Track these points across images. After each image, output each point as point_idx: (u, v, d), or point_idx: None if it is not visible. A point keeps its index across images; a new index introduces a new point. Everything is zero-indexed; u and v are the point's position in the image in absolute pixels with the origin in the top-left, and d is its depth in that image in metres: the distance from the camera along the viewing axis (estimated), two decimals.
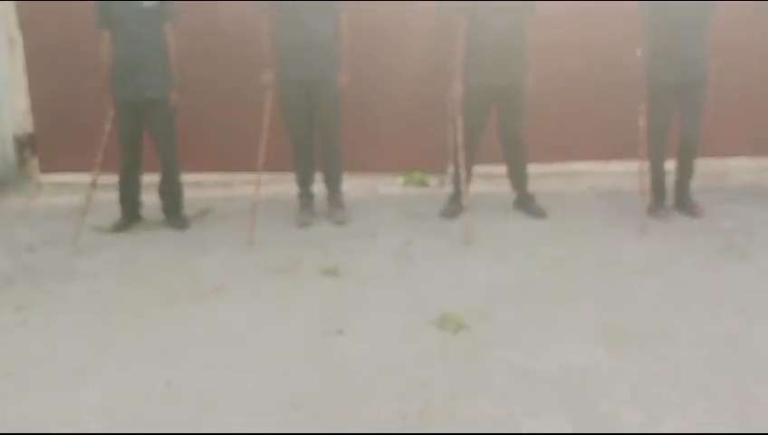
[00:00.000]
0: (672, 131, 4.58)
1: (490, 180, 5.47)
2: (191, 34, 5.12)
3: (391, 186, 5.64)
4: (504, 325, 3.26)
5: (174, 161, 4.61)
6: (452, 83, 4.53)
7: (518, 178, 4.84)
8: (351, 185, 5.57)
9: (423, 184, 5.64)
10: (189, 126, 5.30)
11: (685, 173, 4.71)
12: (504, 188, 5.03)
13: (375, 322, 3.32)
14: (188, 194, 5.37)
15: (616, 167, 5.69)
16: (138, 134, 4.47)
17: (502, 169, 4.96)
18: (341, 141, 4.70)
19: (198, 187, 5.70)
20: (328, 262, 4.01)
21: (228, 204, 5.25)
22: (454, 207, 4.80)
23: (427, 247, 4.25)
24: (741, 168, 5.72)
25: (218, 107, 5.42)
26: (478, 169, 4.91)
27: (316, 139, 4.69)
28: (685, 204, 4.75)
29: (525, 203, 4.86)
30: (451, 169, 5.07)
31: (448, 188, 5.29)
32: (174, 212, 4.70)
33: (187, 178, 5.56)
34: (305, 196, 4.80)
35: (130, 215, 4.69)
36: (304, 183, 4.79)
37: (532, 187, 4.93)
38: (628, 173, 5.62)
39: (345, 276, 3.84)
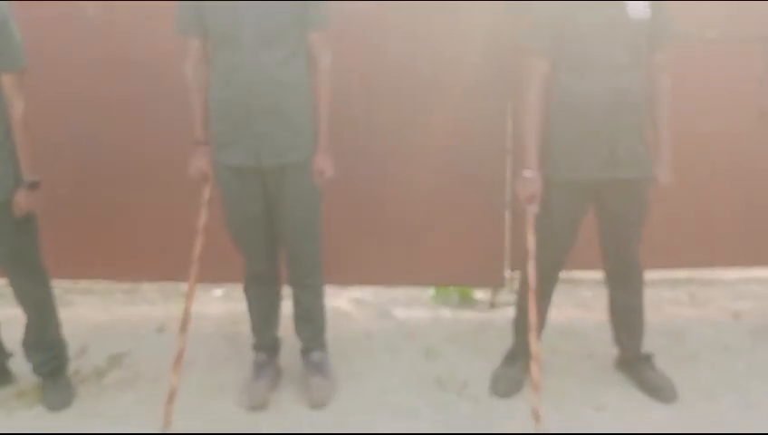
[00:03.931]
0: None
1: (574, 294, 3.52)
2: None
3: (414, 306, 3.69)
4: None
5: (39, 299, 2.78)
6: (521, 172, 2.57)
7: (625, 326, 2.84)
8: (354, 302, 3.69)
9: (466, 302, 3.68)
10: (115, 219, 3.51)
11: None
12: (600, 313, 3.09)
13: None
14: (121, 311, 3.63)
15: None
16: None
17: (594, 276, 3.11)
18: (321, 259, 2.79)
19: (133, 296, 3.90)
20: None
21: (164, 335, 3.39)
22: (513, 374, 2.83)
23: None
24: None
25: (158, 190, 3.53)
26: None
27: (282, 255, 2.79)
28: None
29: (636, 367, 2.85)
30: (508, 275, 3.18)
31: (504, 310, 3.40)
32: (50, 377, 2.86)
33: (118, 286, 3.85)
34: (263, 350, 2.88)
35: None
36: (262, 329, 2.88)
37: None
38: None
39: None
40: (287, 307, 2.93)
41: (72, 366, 3.02)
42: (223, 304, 3.75)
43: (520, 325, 2.79)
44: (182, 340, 2.51)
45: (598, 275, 3.69)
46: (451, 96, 3.32)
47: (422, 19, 3.29)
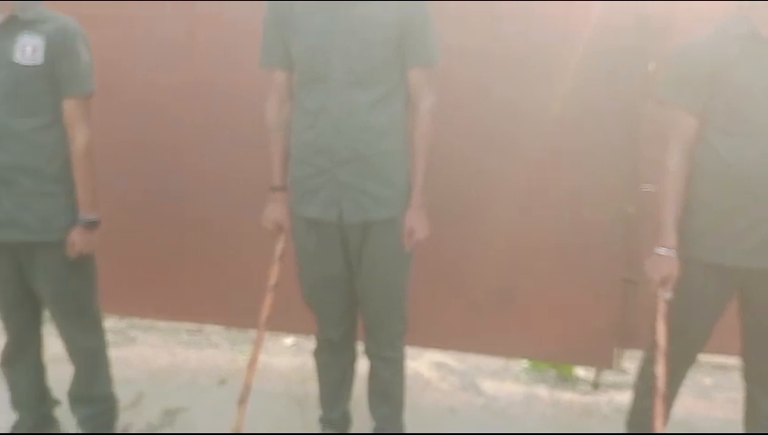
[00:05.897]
0: None
1: (692, 381, 3.01)
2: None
3: (505, 379, 3.25)
4: None
5: (89, 350, 2.50)
6: (654, 250, 2.11)
7: None
8: (435, 367, 3.29)
9: (565, 379, 3.22)
10: (185, 256, 3.24)
11: None
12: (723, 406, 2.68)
13: None
14: (183, 354, 3.37)
15: None
16: (17, 297, 2.38)
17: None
18: (405, 330, 2.41)
19: (198, 337, 3.63)
20: None
21: (226, 389, 3.07)
22: None
23: None
24: None
25: (232, 229, 3.23)
26: None
27: (360, 320, 2.43)
28: None
29: None
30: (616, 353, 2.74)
31: (610, 394, 2.94)
32: (96, 432, 2.58)
33: (184, 325, 3.59)
34: (331, 426, 2.52)
35: (29, 424, 2.61)
36: (331, 402, 2.52)
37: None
38: None
39: None
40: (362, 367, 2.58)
41: (125, 418, 2.75)
42: (293, 355, 3.42)
43: (638, 430, 2.33)
44: (241, 415, 2.18)
45: (719, 359, 3.22)
46: (565, 148, 2.89)
47: (539, 58, 2.88)
